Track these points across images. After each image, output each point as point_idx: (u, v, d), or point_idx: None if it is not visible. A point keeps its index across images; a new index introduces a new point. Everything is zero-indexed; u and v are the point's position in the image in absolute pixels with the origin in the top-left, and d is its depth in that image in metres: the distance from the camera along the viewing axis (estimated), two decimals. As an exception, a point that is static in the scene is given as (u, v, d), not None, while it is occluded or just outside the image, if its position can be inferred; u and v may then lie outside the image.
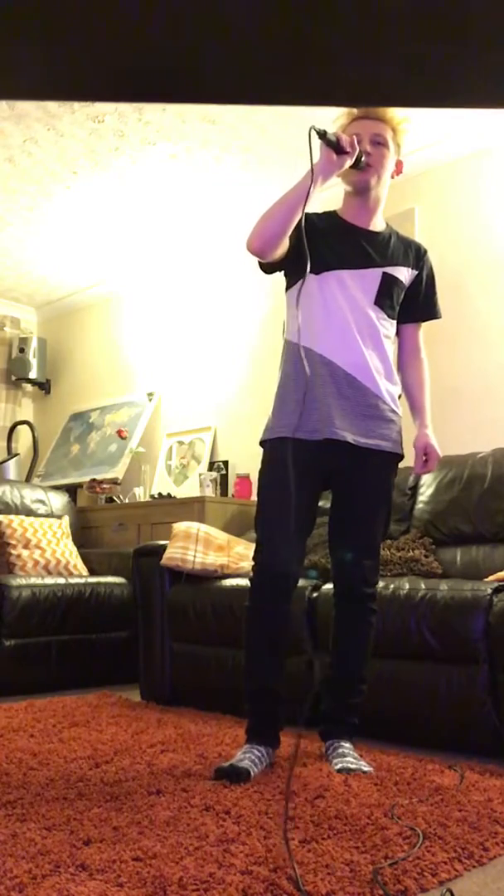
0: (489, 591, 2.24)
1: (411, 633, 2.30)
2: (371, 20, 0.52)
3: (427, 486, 3.17)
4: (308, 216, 2.14)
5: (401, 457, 2.19)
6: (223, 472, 4.40)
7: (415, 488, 3.24)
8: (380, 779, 1.87)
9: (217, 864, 1.32)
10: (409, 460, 3.42)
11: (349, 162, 1.99)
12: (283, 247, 2.05)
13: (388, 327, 2.15)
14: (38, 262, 5.09)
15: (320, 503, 2.21)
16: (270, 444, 2.12)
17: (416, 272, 2.21)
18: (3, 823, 1.55)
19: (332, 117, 2.23)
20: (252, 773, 1.88)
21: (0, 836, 1.47)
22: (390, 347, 2.18)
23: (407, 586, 2.40)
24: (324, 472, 2.11)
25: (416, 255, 2.22)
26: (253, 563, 2.11)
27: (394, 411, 2.15)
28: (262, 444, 2.16)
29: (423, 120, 3.48)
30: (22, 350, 5.59)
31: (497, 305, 3.42)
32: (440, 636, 2.26)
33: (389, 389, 2.14)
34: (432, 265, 2.28)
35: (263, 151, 3.78)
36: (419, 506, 3.17)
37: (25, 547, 3.87)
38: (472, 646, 2.19)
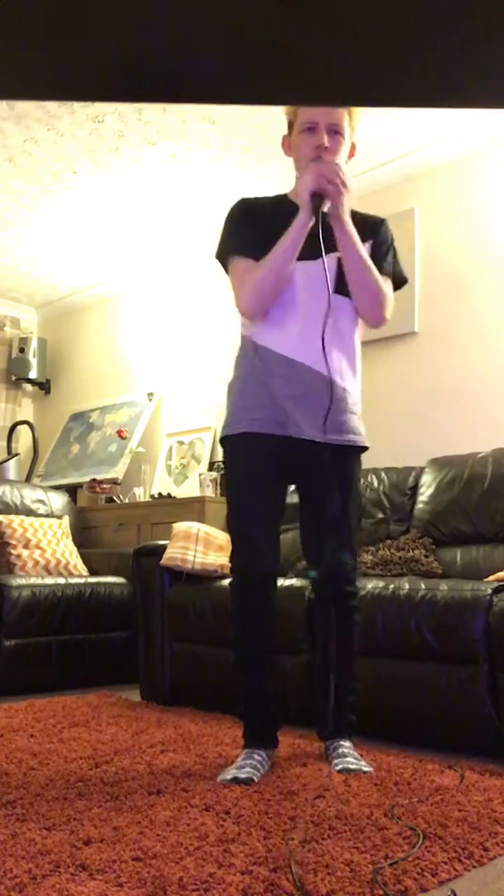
0: (489, 591, 2.24)
1: (411, 633, 2.30)
2: (371, 20, 0.52)
3: (427, 486, 3.18)
4: (259, 202, 2.11)
5: (364, 448, 2.14)
6: (223, 472, 4.40)
7: (415, 488, 3.24)
8: (380, 779, 1.87)
9: (217, 864, 1.32)
10: (410, 461, 3.44)
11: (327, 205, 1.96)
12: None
13: (351, 311, 2.09)
14: (38, 262, 5.09)
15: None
16: (230, 442, 2.10)
17: (371, 240, 2.11)
18: (3, 823, 1.55)
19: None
20: (255, 781, 1.87)
21: (0, 836, 1.47)
22: (354, 331, 2.12)
23: (407, 586, 2.40)
24: (286, 466, 2.07)
25: (370, 227, 2.13)
26: (230, 565, 2.09)
27: (356, 402, 2.10)
28: (221, 442, 2.14)
29: (423, 120, 3.48)
30: (22, 350, 5.59)
31: (497, 305, 3.42)
32: (440, 636, 2.25)
33: (351, 381, 2.09)
34: (391, 234, 2.18)
35: (263, 151, 3.78)
36: (419, 506, 3.17)
37: (25, 547, 3.88)
38: (472, 646, 2.19)
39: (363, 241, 2.07)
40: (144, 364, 5.13)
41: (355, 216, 2.11)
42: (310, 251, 2.01)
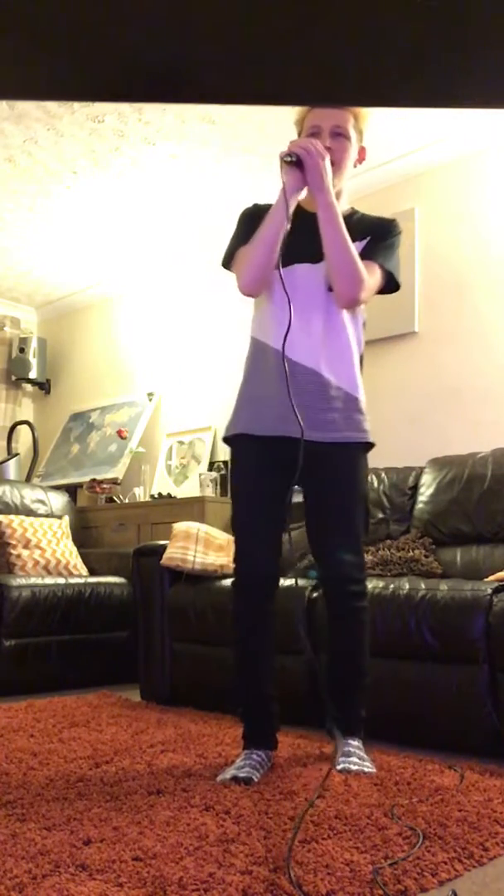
0: (489, 591, 2.24)
1: (411, 633, 2.30)
2: (371, 21, 0.52)
3: (427, 486, 3.18)
4: (267, 207, 2.10)
5: (370, 445, 2.12)
6: (223, 472, 4.39)
7: (415, 488, 3.24)
8: (380, 779, 1.87)
9: (217, 864, 1.32)
10: (410, 461, 3.44)
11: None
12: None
13: (352, 314, 2.10)
14: (38, 262, 5.09)
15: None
16: (234, 443, 2.12)
17: (367, 237, 2.11)
18: (3, 823, 1.55)
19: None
20: (255, 781, 1.87)
21: (0, 836, 1.47)
22: (355, 331, 2.11)
23: (407, 586, 2.40)
24: (287, 466, 2.03)
25: (375, 226, 2.13)
26: (234, 565, 2.10)
27: (358, 399, 2.09)
28: (224, 441, 2.16)
29: (423, 120, 3.48)
30: (22, 350, 5.59)
31: (497, 305, 3.42)
32: (440, 636, 2.26)
33: (354, 378, 2.09)
34: (395, 235, 2.16)
35: (263, 151, 3.78)
36: (419, 506, 3.17)
37: (25, 547, 3.88)
38: (472, 646, 2.19)
39: (359, 240, 2.08)
40: (144, 364, 5.13)
41: (360, 217, 2.14)
42: (317, 251, 2.03)
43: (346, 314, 2.09)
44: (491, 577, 2.51)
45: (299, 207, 2.08)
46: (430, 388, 3.59)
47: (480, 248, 3.51)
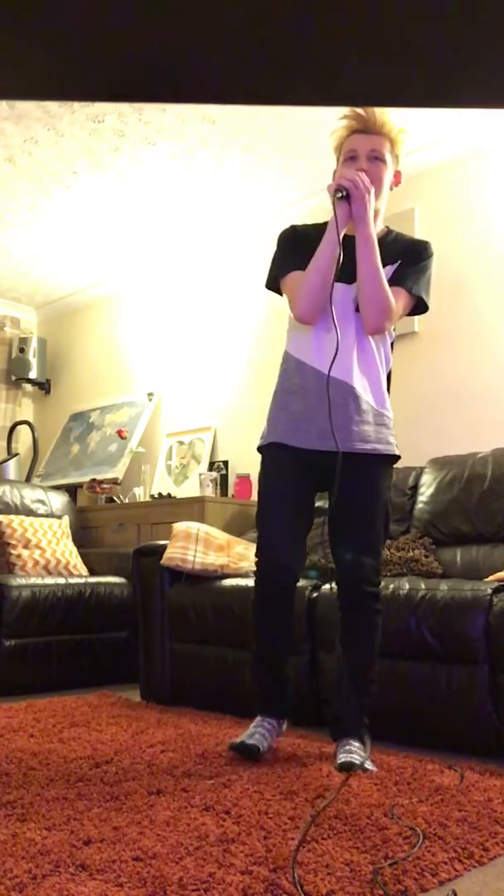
0: (489, 591, 2.24)
1: (411, 633, 2.30)
2: (371, 21, 0.52)
3: (427, 486, 3.18)
4: (306, 229, 2.25)
5: (395, 458, 2.23)
6: (223, 472, 4.40)
7: (415, 488, 3.24)
8: (380, 779, 1.87)
9: (217, 864, 1.32)
10: (410, 461, 3.43)
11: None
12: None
13: (383, 334, 2.19)
14: (38, 262, 5.09)
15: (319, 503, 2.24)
16: (265, 451, 2.24)
17: (399, 261, 2.19)
18: (3, 823, 1.55)
19: (332, 118, 2.23)
20: (262, 750, 2.05)
21: (0, 836, 1.47)
22: (384, 349, 2.21)
23: (407, 586, 2.40)
24: (315, 475, 2.18)
25: (408, 249, 2.22)
26: (256, 560, 2.21)
27: (386, 414, 2.20)
28: (258, 449, 2.27)
29: (423, 120, 3.48)
30: (22, 350, 5.59)
31: (497, 305, 3.42)
32: (440, 636, 2.26)
33: (383, 393, 2.19)
34: (428, 256, 2.24)
35: (263, 152, 3.78)
36: (419, 506, 3.17)
37: (25, 547, 3.88)
38: (472, 646, 2.19)
39: (391, 264, 2.17)
40: (144, 364, 5.13)
41: (395, 238, 2.23)
42: (352, 272, 2.12)
43: (378, 334, 2.18)
44: (491, 577, 2.51)
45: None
46: (430, 388, 3.59)
47: (480, 248, 3.51)
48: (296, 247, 2.20)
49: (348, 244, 2.11)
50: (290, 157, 3.81)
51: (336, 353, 2.02)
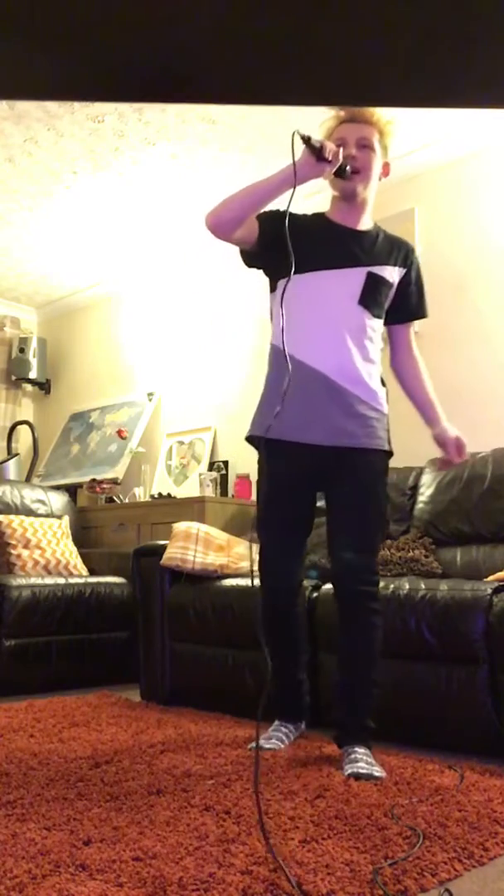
0: (489, 591, 2.24)
1: (411, 633, 2.30)
2: (371, 21, 0.52)
3: (427, 486, 3.17)
4: (294, 216, 2.16)
5: (389, 454, 2.20)
6: (223, 472, 4.40)
7: (415, 488, 3.24)
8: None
9: (217, 864, 1.32)
10: (410, 461, 3.43)
11: (329, 170, 2.03)
12: (241, 232, 2.09)
13: (374, 327, 2.16)
14: (38, 262, 5.09)
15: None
16: (263, 445, 2.14)
17: (404, 270, 2.21)
18: (3, 823, 1.55)
19: (321, 119, 2.23)
20: (279, 749, 2.11)
21: (0, 836, 1.47)
22: (376, 346, 2.18)
23: (407, 586, 2.40)
24: (310, 471, 2.16)
25: (404, 255, 2.23)
26: (259, 576, 2.21)
27: (377, 409, 2.16)
28: (247, 440, 2.25)
29: (423, 120, 3.48)
30: (22, 350, 5.59)
31: (497, 305, 3.42)
32: (440, 636, 2.25)
33: (373, 389, 2.15)
34: (420, 264, 2.28)
35: (264, 151, 3.78)
36: (419, 506, 3.17)
37: (25, 547, 3.88)
38: (472, 646, 2.19)
39: (392, 265, 2.16)
40: (144, 364, 5.13)
41: (383, 234, 2.22)
42: (341, 260, 2.09)
43: (369, 326, 2.14)
44: (491, 577, 2.51)
45: (328, 219, 2.17)
46: (430, 383, 3.58)
47: (480, 248, 3.51)
48: (276, 218, 2.11)
49: (340, 231, 2.10)
50: (290, 157, 3.81)
51: (321, 343, 2.00)
